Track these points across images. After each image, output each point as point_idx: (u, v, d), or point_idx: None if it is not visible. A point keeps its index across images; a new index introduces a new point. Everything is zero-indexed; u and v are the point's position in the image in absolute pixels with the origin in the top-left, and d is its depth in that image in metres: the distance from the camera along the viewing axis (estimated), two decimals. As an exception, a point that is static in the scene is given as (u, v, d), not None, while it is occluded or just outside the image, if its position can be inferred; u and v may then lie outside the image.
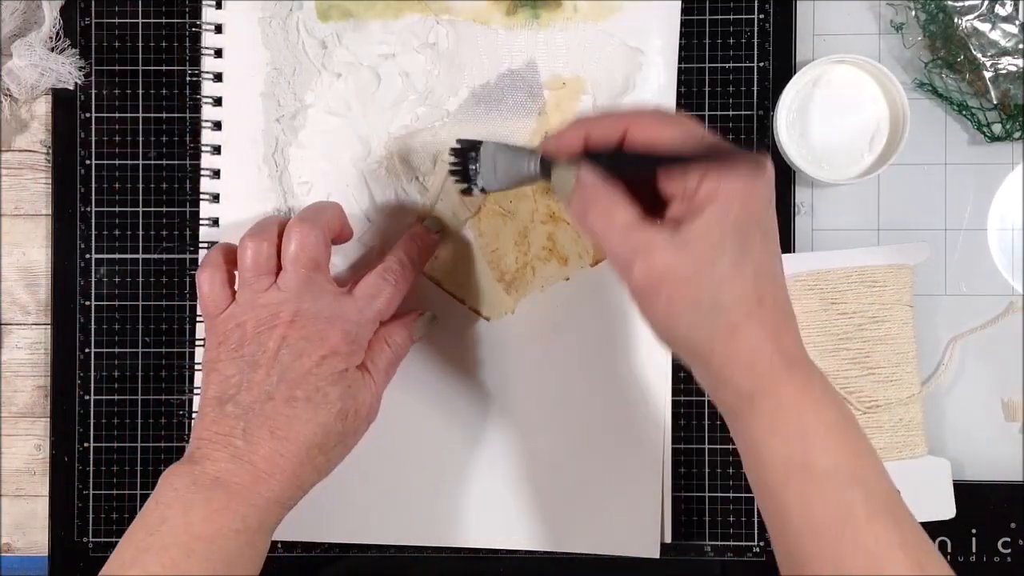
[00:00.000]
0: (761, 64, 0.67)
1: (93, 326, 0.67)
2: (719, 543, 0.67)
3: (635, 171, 0.50)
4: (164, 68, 0.68)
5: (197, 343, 0.67)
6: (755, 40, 0.67)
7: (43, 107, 0.69)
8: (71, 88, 0.67)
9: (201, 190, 0.67)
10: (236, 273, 0.60)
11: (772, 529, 0.49)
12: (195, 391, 0.67)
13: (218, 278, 0.59)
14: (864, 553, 0.45)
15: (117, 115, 0.68)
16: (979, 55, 0.65)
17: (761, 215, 0.48)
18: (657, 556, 0.66)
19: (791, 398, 0.47)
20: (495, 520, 0.67)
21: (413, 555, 0.67)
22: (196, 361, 0.67)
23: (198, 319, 0.67)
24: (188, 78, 0.68)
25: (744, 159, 0.48)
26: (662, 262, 0.47)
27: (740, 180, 0.47)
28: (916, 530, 0.47)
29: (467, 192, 0.58)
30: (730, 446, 0.67)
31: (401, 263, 0.61)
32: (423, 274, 0.66)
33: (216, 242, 0.67)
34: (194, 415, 0.67)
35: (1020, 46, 0.65)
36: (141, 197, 0.68)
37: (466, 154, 0.58)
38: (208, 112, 0.67)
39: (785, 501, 0.47)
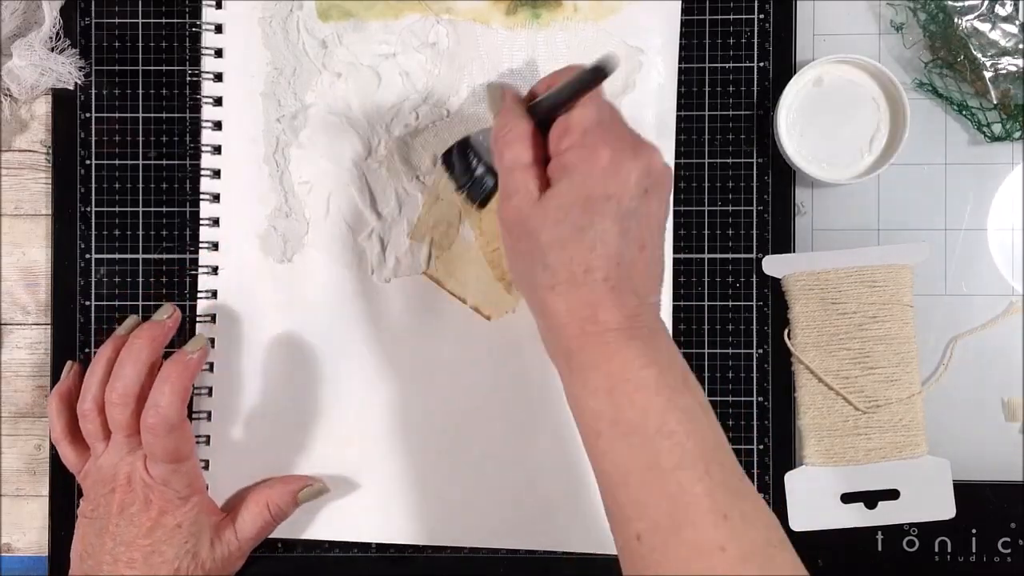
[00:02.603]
0: (761, 64, 0.67)
1: (93, 326, 0.67)
2: (719, 543, 0.66)
3: (540, 117, 0.54)
4: (164, 68, 0.68)
5: (197, 343, 0.67)
6: (755, 40, 0.67)
7: (43, 107, 0.69)
8: (71, 88, 0.67)
9: (201, 190, 0.67)
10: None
11: (600, 490, 0.51)
12: (194, 391, 0.67)
13: (66, 446, 0.63)
14: (667, 499, 0.48)
15: (117, 115, 0.68)
16: (979, 55, 0.65)
17: (622, 196, 0.51)
18: (657, 556, 0.66)
19: (601, 359, 0.50)
20: (495, 520, 0.67)
21: (413, 555, 0.67)
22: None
23: (198, 320, 0.67)
24: (188, 78, 0.68)
25: (613, 138, 0.51)
26: (520, 209, 0.52)
27: (602, 159, 0.51)
28: (730, 478, 0.50)
29: (477, 199, 0.59)
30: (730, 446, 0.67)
31: (157, 412, 0.59)
32: (425, 275, 0.66)
33: (216, 242, 0.67)
34: (195, 414, 0.67)
35: (1020, 46, 0.65)
36: (141, 197, 0.68)
37: (466, 152, 0.58)
38: (208, 112, 0.67)
39: (600, 454, 0.50)
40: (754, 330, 0.67)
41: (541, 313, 0.53)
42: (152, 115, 0.68)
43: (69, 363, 0.66)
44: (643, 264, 0.52)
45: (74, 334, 0.67)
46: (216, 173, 0.67)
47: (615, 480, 0.50)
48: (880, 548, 0.66)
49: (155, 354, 0.62)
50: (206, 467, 0.67)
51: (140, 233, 0.68)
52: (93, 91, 0.68)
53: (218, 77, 0.67)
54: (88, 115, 0.68)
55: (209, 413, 0.67)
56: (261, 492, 0.65)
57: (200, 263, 0.67)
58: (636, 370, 0.50)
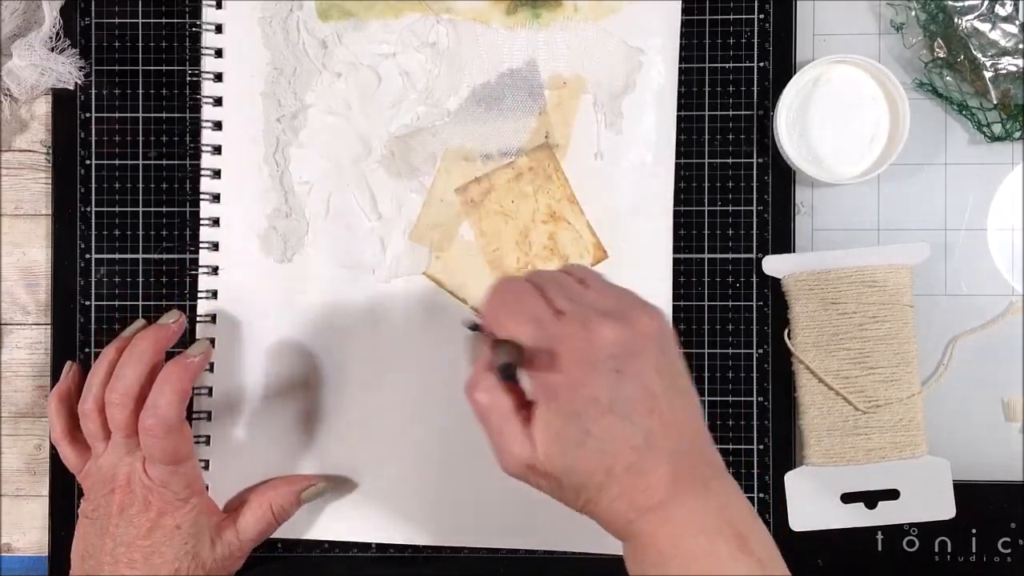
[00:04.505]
0: (761, 64, 0.67)
1: (93, 326, 0.67)
2: (719, 543, 0.66)
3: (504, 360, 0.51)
4: (164, 68, 0.68)
5: (197, 343, 0.67)
6: (755, 40, 0.67)
7: (43, 107, 0.69)
8: (71, 88, 0.67)
9: (201, 190, 0.67)
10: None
11: None
12: (195, 391, 0.67)
13: (65, 446, 0.63)
14: None
15: (117, 115, 0.68)
16: (979, 55, 0.65)
17: (599, 392, 0.49)
18: (657, 556, 0.66)
19: (648, 539, 0.50)
20: (495, 520, 0.67)
21: (413, 555, 0.67)
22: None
23: (198, 320, 0.67)
24: (188, 78, 0.68)
25: (564, 348, 0.49)
26: (520, 460, 0.51)
27: (562, 372, 0.49)
28: None
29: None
30: (730, 446, 0.67)
31: (155, 411, 0.59)
32: (425, 275, 0.66)
33: (216, 242, 0.67)
34: (195, 414, 0.67)
35: (1020, 46, 0.65)
36: (141, 197, 0.68)
37: None
38: (208, 112, 0.67)
39: None
40: (754, 330, 0.67)
41: (587, 515, 0.52)
42: (152, 115, 0.68)
43: (69, 363, 0.66)
44: (660, 426, 0.50)
45: (74, 334, 0.67)
46: (216, 173, 0.67)
47: None
48: (880, 548, 0.66)
49: (157, 356, 0.62)
50: (206, 467, 0.67)
51: (140, 233, 0.68)
52: (93, 91, 0.68)
53: (218, 77, 0.67)
54: (88, 115, 0.68)
55: (209, 413, 0.67)
56: (263, 493, 0.65)
57: (200, 263, 0.67)
58: (684, 542, 0.49)
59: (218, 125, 0.67)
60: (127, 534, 0.60)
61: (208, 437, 0.67)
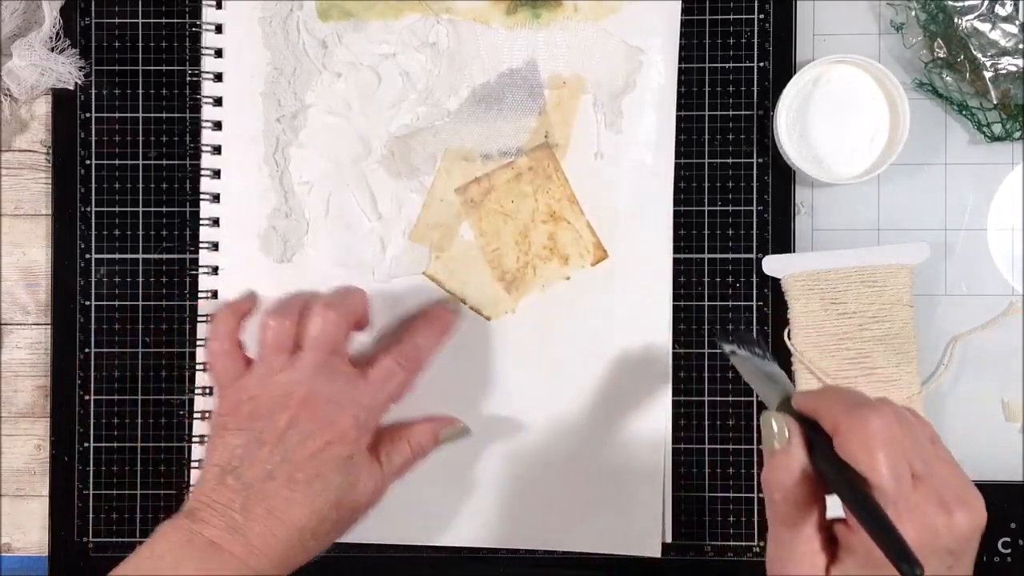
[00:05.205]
0: (761, 64, 0.67)
1: (93, 326, 0.67)
2: (719, 543, 0.67)
3: (830, 477, 0.46)
4: (164, 68, 0.68)
5: (197, 343, 0.67)
6: (755, 40, 0.67)
7: (43, 107, 0.69)
8: (71, 88, 0.67)
9: (201, 190, 0.67)
10: (246, 338, 0.61)
11: None
12: (195, 391, 0.67)
13: (229, 348, 0.60)
14: None
15: (117, 115, 0.68)
16: (979, 55, 0.65)
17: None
18: (659, 555, 0.66)
19: None
20: (495, 520, 0.67)
21: (413, 555, 0.67)
22: (196, 361, 0.67)
23: (199, 319, 0.67)
24: (188, 78, 0.68)
25: (909, 521, 0.44)
26: None
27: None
28: None
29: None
30: (730, 446, 0.67)
31: (416, 348, 0.61)
32: (424, 275, 0.66)
33: (216, 242, 0.67)
34: (195, 414, 0.67)
35: (1020, 46, 0.65)
36: (141, 197, 0.68)
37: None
38: (208, 112, 0.67)
39: None
40: (754, 330, 0.67)
41: None
42: (152, 115, 0.68)
43: (250, 290, 0.65)
44: None
45: (74, 334, 0.67)
46: (216, 173, 0.67)
47: None
48: (880, 548, 0.66)
49: (366, 314, 0.61)
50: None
51: (140, 233, 0.68)
52: (93, 91, 0.68)
53: (218, 77, 0.67)
54: (88, 115, 0.68)
55: (209, 412, 0.67)
56: (402, 430, 0.62)
57: (200, 263, 0.67)
58: None
59: (218, 125, 0.67)
60: (295, 451, 0.56)
61: (202, 437, 0.67)
